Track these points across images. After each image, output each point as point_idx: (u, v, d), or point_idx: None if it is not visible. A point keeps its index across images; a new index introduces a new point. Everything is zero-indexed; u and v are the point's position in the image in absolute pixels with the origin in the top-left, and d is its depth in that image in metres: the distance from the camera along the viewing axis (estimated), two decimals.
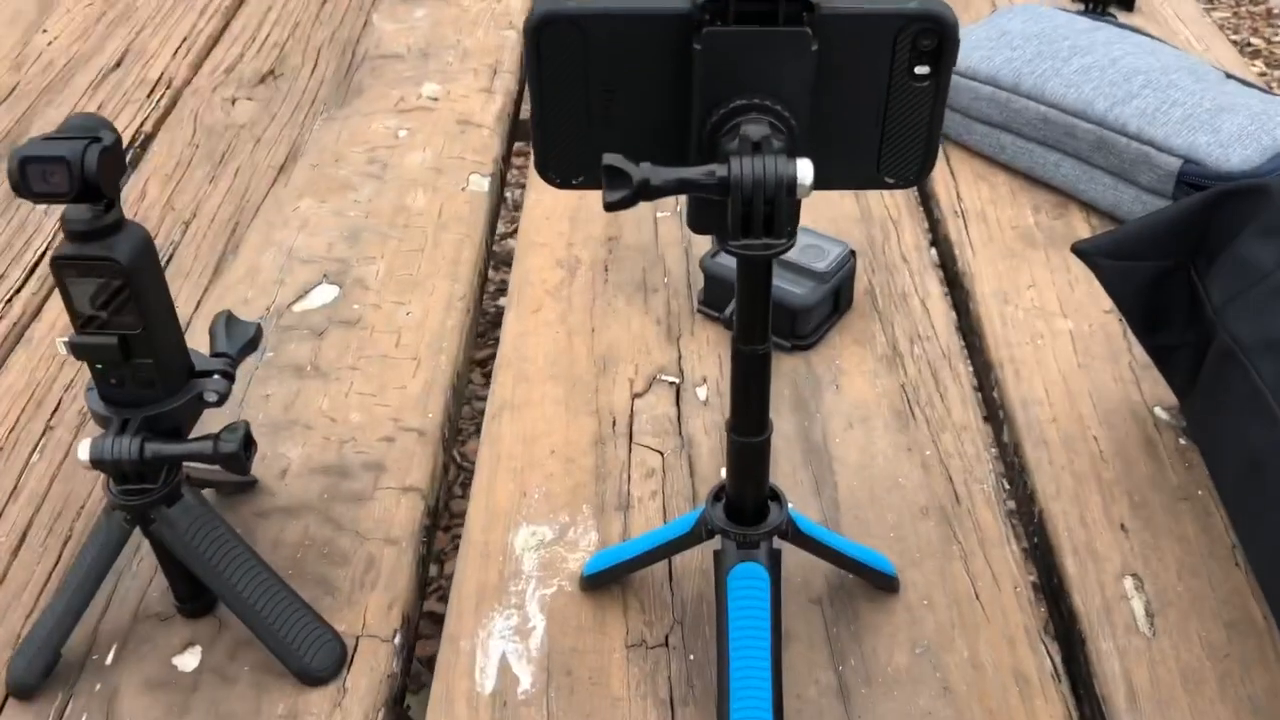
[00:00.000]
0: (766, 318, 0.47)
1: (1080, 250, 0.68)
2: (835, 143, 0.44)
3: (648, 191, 0.40)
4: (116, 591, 0.63)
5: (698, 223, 0.47)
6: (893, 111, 0.43)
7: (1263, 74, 3.00)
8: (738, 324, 0.48)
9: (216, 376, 0.57)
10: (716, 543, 0.55)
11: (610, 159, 0.40)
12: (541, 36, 0.41)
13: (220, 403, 0.57)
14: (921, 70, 0.42)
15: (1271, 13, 3.19)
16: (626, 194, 0.40)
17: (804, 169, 0.40)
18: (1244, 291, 0.61)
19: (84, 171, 0.49)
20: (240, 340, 0.60)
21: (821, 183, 0.43)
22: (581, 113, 0.43)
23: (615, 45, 0.42)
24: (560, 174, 0.46)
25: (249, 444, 0.55)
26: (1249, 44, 3.06)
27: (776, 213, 0.42)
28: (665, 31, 0.41)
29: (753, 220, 0.41)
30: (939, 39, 0.41)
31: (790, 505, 0.66)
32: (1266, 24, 3.17)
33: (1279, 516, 0.56)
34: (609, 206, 0.40)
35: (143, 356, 0.55)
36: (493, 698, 0.58)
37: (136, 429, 0.55)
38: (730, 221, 0.42)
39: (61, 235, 0.52)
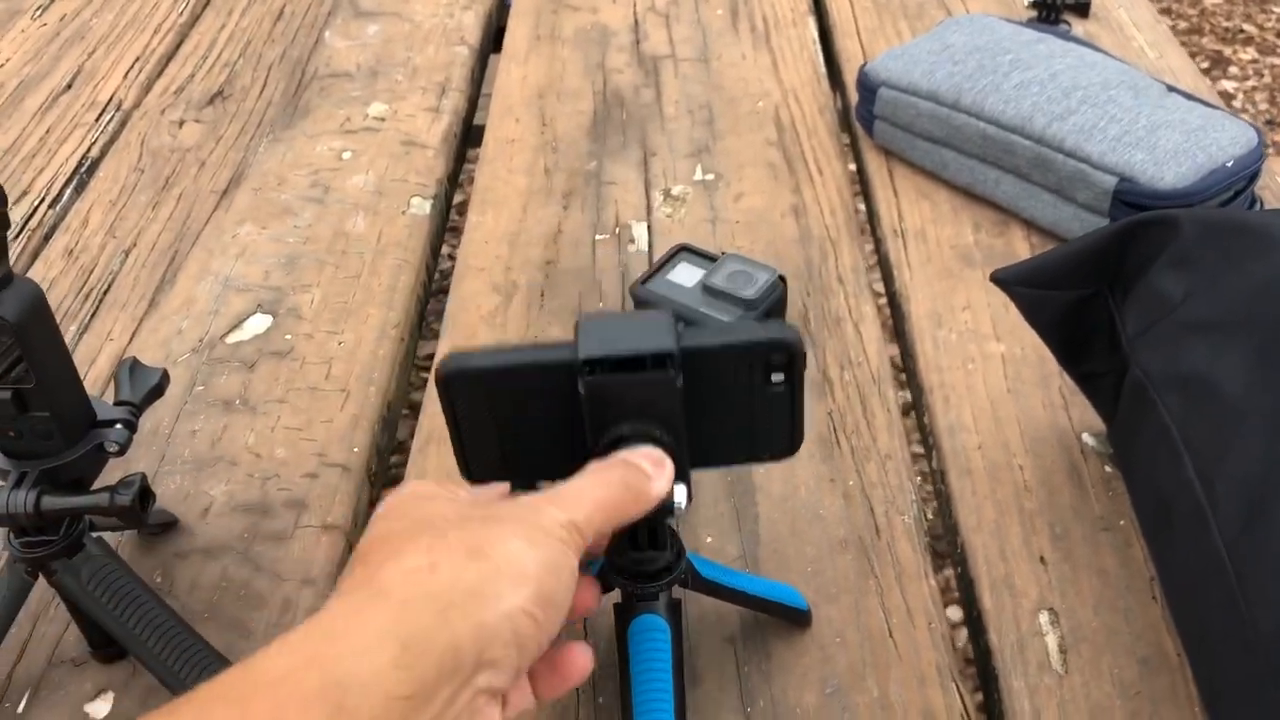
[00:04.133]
0: None
1: (999, 279, 0.68)
2: (715, 435, 0.51)
3: None
4: (32, 637, 0.63)
5: None
6: (758, 411, 0.50)
7: (1254, 60, 2.98)
8: None
9: (118, 426, 0.57)
10: (618, 594, 0.55)
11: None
12: (452, 388, 0.49)
13: (121, 452, 0.57)
14: (777, 379, 0.49)
15: None
16: None
17: (679, 494, 0.48)
18: (1154, 324, 0.60)
19: None
20: (144, 387, 0.60)
21: (709, 462, 0.52)
22: (494, 437, 0.50)
23: (514, 389, 0.49)
24: (484, 480, 0.52)
25: (146, 496, 0.55)
26: (1241, 30, 3.04)
27: (659, 530, 0.50)
28: (554, 377, 0.48)
29: (639, 537, 0.50)
30: (788, 357, 0.48)
31: (707, 543, 0.66)
32: (1260, 9, 3.14)
33: (1187, 554, 0.56)
34: None
35: (39, 410, 0.54)
36: None
37: (34, 482, 0.55)
38: (621, 538, 0.50)
39: None
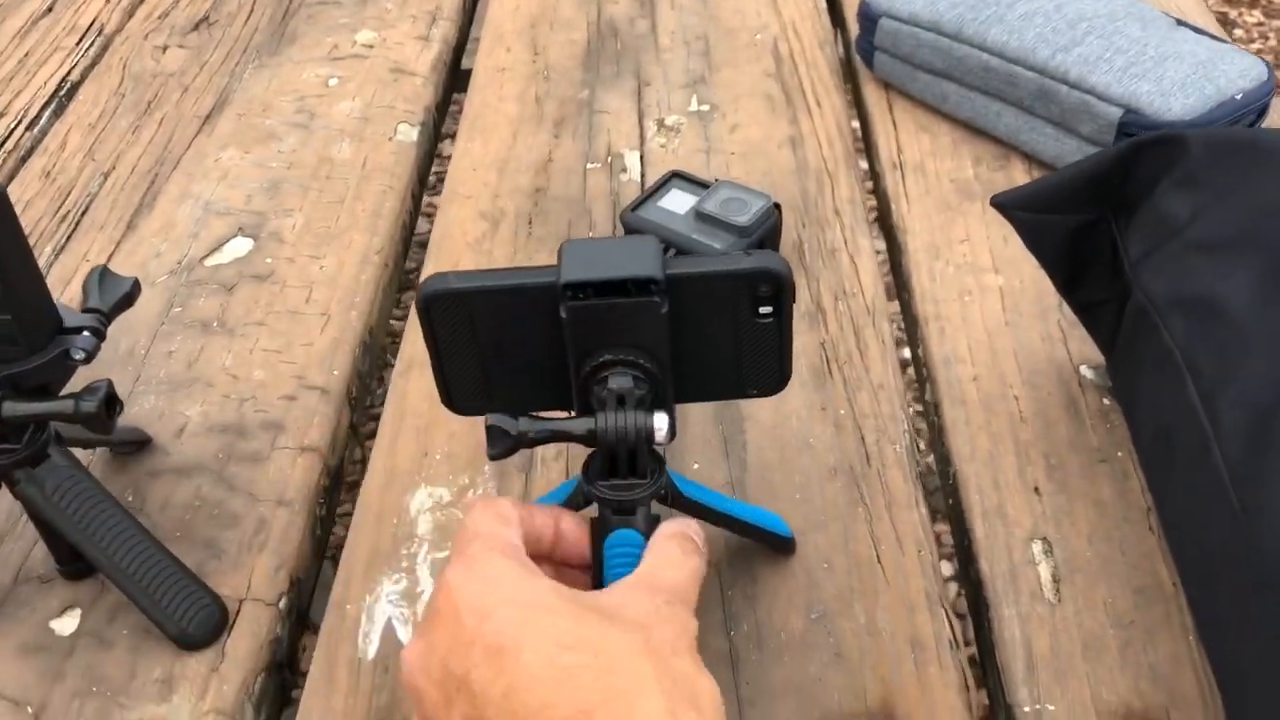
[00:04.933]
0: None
1: (999, 203, 0.65)
2: (701, 368, 0.50)
3: (526, 442, 0.48)
4: None
5: None
6: (744, 344, 0.49)
7: (1259, 23, 2.94)
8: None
9: (85, 333, 0.55)
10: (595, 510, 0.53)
11: (492, 419, 0.47)
12: (432, 311, 0.47)
13: (88, 360, 0.55)
14: (765, 310, 0.48)
15: None
16: (505, 448, 0.47)
17: (660, 421, 0.47)
18: (1159, 246, 0.58)
19: None
20: (114, 295, 0.58)
21: (693, 397, 0.51)
22: (476, 364, 0.49)
23: (496, 313, 0.48)
24: (465, 409, 0.52)
25: (111, 403, 0.53)
26: None
27: (639, 458, 0.49)
28: (537, 301, 0.46)
29: (618, 464, 0.49)
30: (776, 288, 0.47)
31: (694, 470, 0.65)
32: None
33: (1189, 479, 0.54)
34: (492, 458, 0.48)
35: (1, 313, 0.52)
36: (375, 664, 0.57)
37: None
38: (599, 464, 0.49)
39: None
